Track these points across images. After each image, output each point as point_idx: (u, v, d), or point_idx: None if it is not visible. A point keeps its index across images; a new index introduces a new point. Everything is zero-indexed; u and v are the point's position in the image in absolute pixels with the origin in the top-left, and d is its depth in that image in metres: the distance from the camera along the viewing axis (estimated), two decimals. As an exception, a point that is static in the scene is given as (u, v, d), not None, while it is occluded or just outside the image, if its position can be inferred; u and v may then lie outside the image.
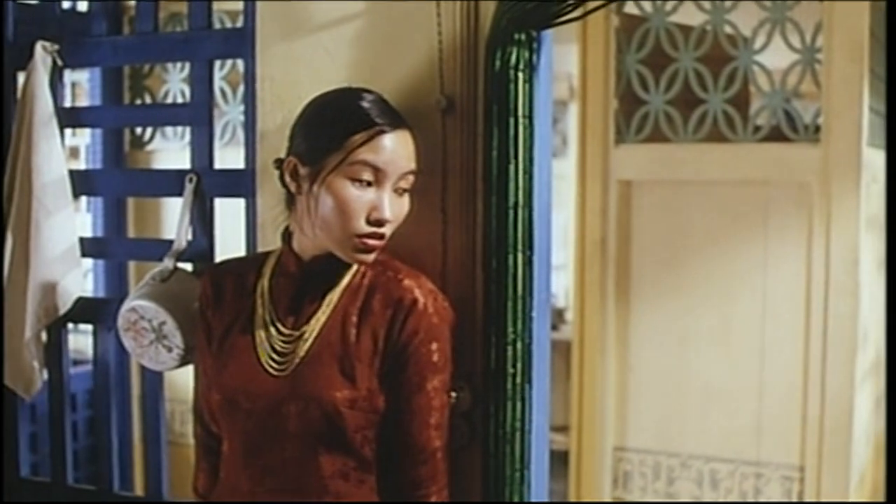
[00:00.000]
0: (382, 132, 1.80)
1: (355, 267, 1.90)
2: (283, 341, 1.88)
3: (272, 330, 1.89)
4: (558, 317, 6.57)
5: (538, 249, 1.98)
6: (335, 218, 1.81)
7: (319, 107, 1.88)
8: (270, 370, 1.87)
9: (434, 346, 1.87)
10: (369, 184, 1.80)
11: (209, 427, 2.02)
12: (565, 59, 4.64)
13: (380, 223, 1.81)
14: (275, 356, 1.87)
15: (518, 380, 1.95)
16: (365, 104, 1.83)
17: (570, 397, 4.20)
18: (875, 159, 3.99)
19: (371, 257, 1.85)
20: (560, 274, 6.41)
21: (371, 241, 1.82)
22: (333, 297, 1.89)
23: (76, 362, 3.39)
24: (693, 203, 3.84)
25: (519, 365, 1.95)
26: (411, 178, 1.85)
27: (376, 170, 1.80)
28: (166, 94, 4.25)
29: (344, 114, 1.82)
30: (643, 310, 4.03)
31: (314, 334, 1.87)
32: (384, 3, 2.08)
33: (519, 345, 1.95)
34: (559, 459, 4.35)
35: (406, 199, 1.87)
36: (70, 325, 2.61)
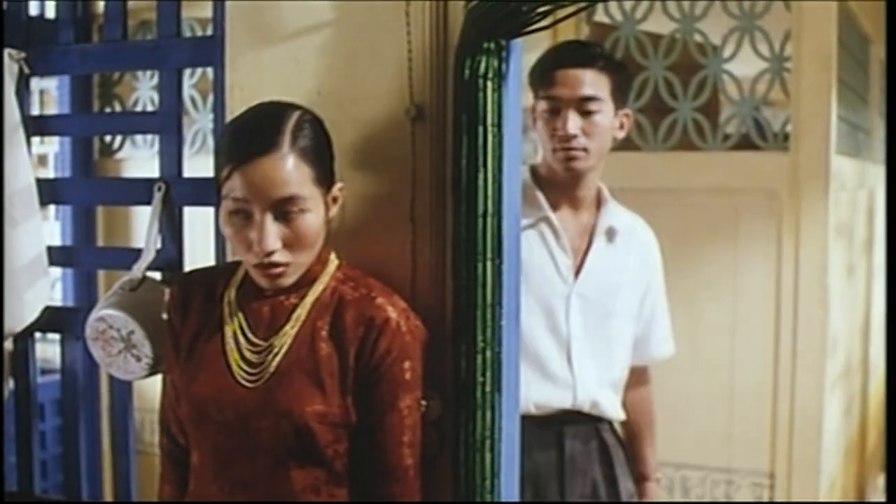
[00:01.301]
0: (236, 168, 1.76)
1: (323, 282, 1.90)
2: (254, 351, 1.87)
3: (242, 340, 1.88)
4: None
5: (508, 258, 1.98)
6: (233, 249, 1.82)
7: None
8: (242, 381, 1.86)
9: (407, 364, 1.87)
10: (247, 215, 1.77)
11: (176, 438, 2.01)
12: (536, 68, 4.64)
13: (266, 255, 1.78)
14: (246, 367, 1.86)
15: (488, 388, 1.95)
16: (226, 136, 1.81)
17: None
18: (843, 167, 4.02)
19: (282, 282, 1.83)
20: (532, 281, 6.39)
21: (268, 271, 1.81)
22: (302, 312, 1.88)
23: (44, 371, 3.37)
24: (663, 211, 3.85)
25: (489, 374, 1.94)
26: (292, 202, 1.77)
27: (245, 202, 1.76)
28: (136, 102, 4.23)
29: (217, 146, 1.83)
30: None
31: (284, 348, 1.86)
32: (354, 12, 2.07)
33: (489, 353, 1.94)
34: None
35: (302, 219, 1.78)
36: (38, 335, 2.60)
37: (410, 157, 2.03)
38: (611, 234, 2.61)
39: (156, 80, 3.92)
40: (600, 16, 3.99)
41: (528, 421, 2.46)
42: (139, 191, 2.42)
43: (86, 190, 2.62)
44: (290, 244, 1.79)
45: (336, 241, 1.99)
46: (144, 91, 4.20)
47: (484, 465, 1.95)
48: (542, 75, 2.50)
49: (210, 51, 2.30)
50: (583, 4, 1.94)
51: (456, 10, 1.99)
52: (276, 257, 1.78)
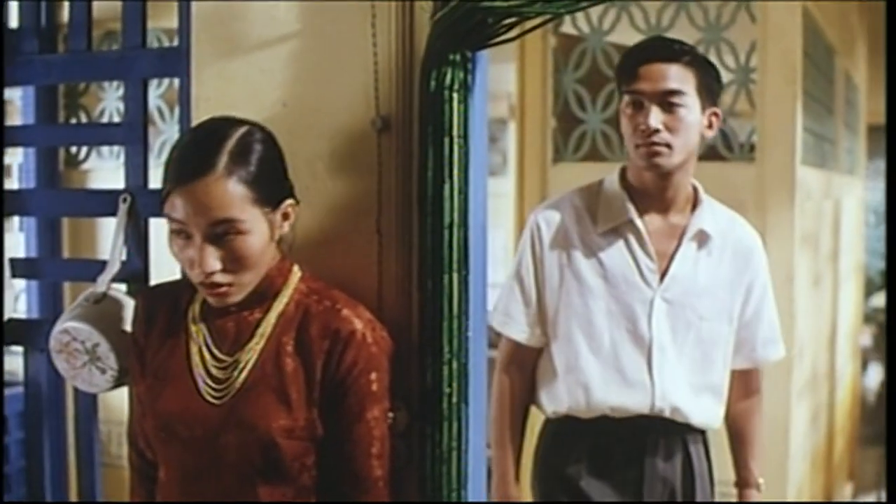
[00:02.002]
0: (172, 189, 1.76)
1: (285, 297, 1.89)
2: (219, 367, 1.86)
3: (207, 355, 1.87)
4: (499, 335, 6.54)
5: (474, 269, 1.98)
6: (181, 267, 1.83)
7: None
8: (208, 397, 1.85)
9: (373, 376, 1.86)
10: (188, 235, 1.77)
11: (144, 453, 2.00)
12: (504, 78, 4.66)
13: (206, 276, 1.78)
14: (211, 382, 1.86)
15: (454, 399, 1.95)
16: (171, 154, 1.81)
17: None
18: (809, 178, 4.05)
19: (229, 300, 1.83)
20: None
21: (212, 291, 1.81)
22: (266, 327, 1.88)
23: (7, 384, 3.34)
24: (630, 221, 3.86)
25: (455, 384, 1.95)
26: (228, 224, 1.75)
27: (183, 223, 1.76)
28: (102, 112, 4.21)
29: (165, 162, 1.82)
30: (582, 327, 4.03)
31: (250, 364, 1.85)
32: (320, 23, 2.07)
33: (455, 364, 1.95)
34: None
35: (240, 240, 1.77)
36: (1, 347, 2.57)
37: (376, 168, 2.03)
38: (702, 238, 2.51)
39: (122, 90, 3.91)
40: (567, 27, 4.00)
41: (609, 433, 2.52)
42: (104, 202, 2.40)
43: (50, 201, 2.60)
44: (229, 265, 1.78)
45: (302, 252, 1.99)
46: (111, 101, 4.18)
47: (451, 476, 1.96)
48: (627, 71, 2.43)
49: (175, 61, 2.29)
50: (549, 16, 1.95)
51: (422, 21, 1.99)
52: (217, 278, 1.78)
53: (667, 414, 2.50)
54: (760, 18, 3.68)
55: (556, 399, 2.56)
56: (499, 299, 2.65)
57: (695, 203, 2.52)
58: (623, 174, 2.54)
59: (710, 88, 2.43)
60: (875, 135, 8.18)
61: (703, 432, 2.61)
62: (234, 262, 1.77)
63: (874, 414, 8.48)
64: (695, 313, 2.50)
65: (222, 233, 1.75)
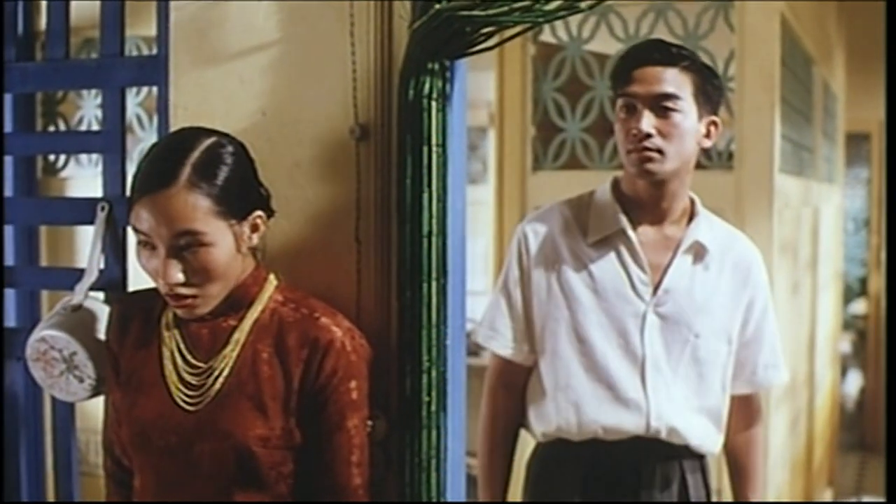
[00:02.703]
0: (136, 200, 1.77)
1: (260, 305, 1.89)
2: (193, 374, 1.86)
3: (181, 362, 1.87)
4: (479, 344, 6.54)
5: (453, 277, 1.98)
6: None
7: None
8: (182, 404, 1.85)
9: (353, 384, 1.86)
10: (152, 246, 1.77)
11: (120, 460, 1.99)
12: (484, 86, 4.67)
13: (170, 287, 1.78)
14: (186, 389, 1.86)
15: (433, 408, 1.95)
16: (140, 167, 1.80)
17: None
18: (787, 185, 4.07)
19: (196, 312, 1.83)
20: (481, 300, 6.40)
21: (178, 302, 1.81)
22: (241, 335, 1.87)
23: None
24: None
25: (434, 393, 1.95)
26: (190, 236, 1.75)
27: (146, 235, 1.76)
28: (81, 120, 4.19)
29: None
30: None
31: (225, 371, 1.85)
32: (298, 32, 2.08)
33: (434, 373, 1.95)
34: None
35: (203, 253, 1.77)
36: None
37: (355, 176, 2.03)
38: (698, 251, 2.41)
39: (100, 98, 3.90)
40: (546, 36, 4.01)
41: (602, 459, 2.40)
42: (82, 210, 2.39)
43: (28, 209, 2.59)
44: (193, 277, 1.78)
45: (280, 261, 1.99)
46: (89, 109, 4.17)
47: (430, 485, 1.96)
48: (621, 73, 2.34)
49: (154, 70, 2.29)
50: (527, 25, 1.95)
51: (400, 30, 2.00)
52: (181, 290, 1.78)
53: (663, 435, 2.38)
54: (739, 27, 3.70)
55: (544, 419, 2.44)
56: (484, 313, 2.57)
57: (691, 215, 2.42)
58: (616, 184, 2.46)
59: (708, 96, 2.34)
60: (853, 143, 8.24)
61: (701, 460, 2.48)
62: (198, 274, 1.77)
63: (853, 420, 8.53)
64: (690, 330, 2.39)
65: (185, 245, 1.75)
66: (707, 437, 2.45)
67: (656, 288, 2.39)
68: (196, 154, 1.77)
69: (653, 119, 2.28)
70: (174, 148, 1.79)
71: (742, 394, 2.53)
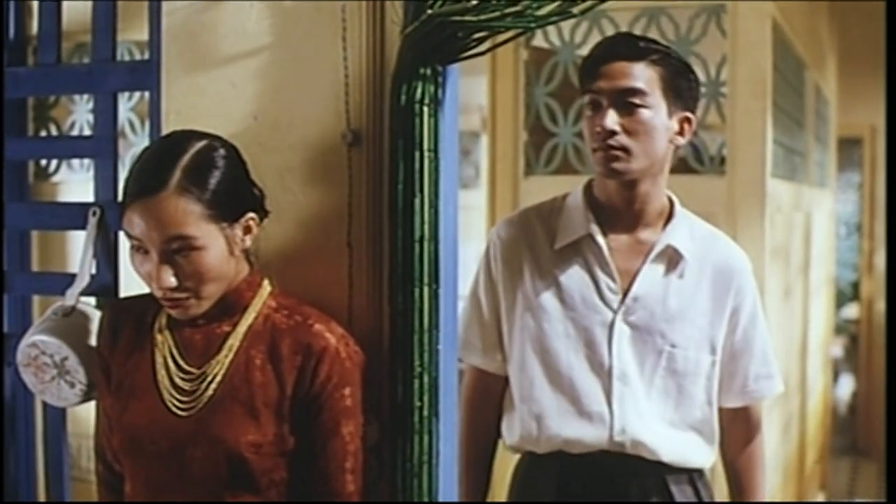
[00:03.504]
0: (127, 205, 1.77)
1: (254, 311, 1.89)
2: (185, 379, 1.86)
3: (173, 367, 1.87)
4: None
5: (445, 282, 1.98)
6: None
7: None
8: (175, 409, 1.85)
9: (347, 390, 1.87)
10: (145, 251, 1.78)
11: (112, 466, 1.99)
12: (477, 91, 4.68)
13: (163, 291, 1.79)
14: (178, 395, 1.85)
15: (425, 413, 1.95)
16: (131, 171, 1.81)
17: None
18: (779, 190, 4.07)
19: (191, 313, 1.84)
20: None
21: (172, 305, 1.82)
22: (235, 341, 1.87)
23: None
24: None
25: (426, 398, 1.95)
26: (181, 241, 1.76)
27: (138, 239, 1.77)
28: (73, 125, 4.18)
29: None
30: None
31: (218, 378, 1.85)
32: (291, 37, 2.08)
33: (426, 378, 1.95)
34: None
35: (196, 256, 1.77)
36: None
37: (347, 182, 2.03)
38: (672, 256, 2.29)
39: (92, 103, 3.90)
40: (539, 41, 4.01)
41: (574, 473, 2.31)
42: (74, 215, 2.39)
43: (20, 214, 2.58)
44: (186, 281, 1.78)
45: (272, 265, 1.99)
46: (81, 114, 4.16)
47: (422, 490, 1.96)
48: (588, 69, 2.25)
49: (146, 75, 2.28)
50: (519, 30, 1.95)
51: (392, 35, 2.00)
52: (175, 293, 1.79)
53: (628, 449, 2.28)
54: (731, 32, 3.71)
55: (511, 430, 2.38)
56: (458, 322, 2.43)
57: (668, 218, 2.32)
58: (588, 187, 2.36)
59: (679, 91, 2.23)
60: (845, 147, 8.25)
61: (691, 473, 2.36)
62: (191, 278, 1.78)
63: (845, 424, 8.54)
64: (665, 340, 2.29)
65: (177, 249, 1.75)
66: (689, 452, 2.34)
67: (625, 295, 2.29)
68: (187, 158, 1.77)
69: (617, 116, 2.18)
70: (165, 152, 1.80)
71: (736, 406, 2.42)
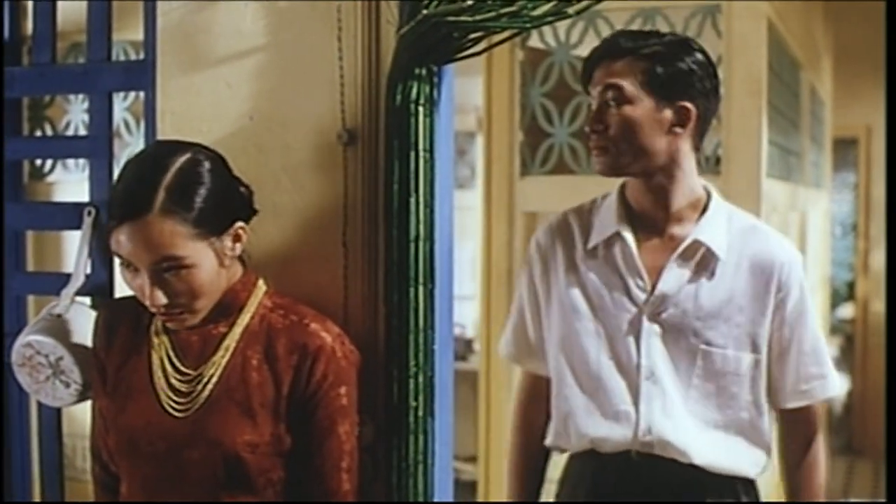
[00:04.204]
0: (113, 227, 1.76)
1: (250, 311, 1.89)
2: (182, 380, 1.86)
3: (170, 368, 1.87)
4: (467, 347, 6.57)
5: (440, 282, 1.98)
6: None
7: None
8: (171, 410, 1.85)
9: (343, 390, 1.87)
10: (135, 268, 1.77)
11: (108, 466, 1.99)
12: (472, 91, 4.68)
13: (156, 308, 1.79)
14: (174, 396, 1.85)
15: (420, 413, 1.95)
16: (115, 188, 1.80)
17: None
18: (775, 190, 4.07)
19: (182, 325, 1.84)
20: (469, 305, 6.43)
21: (165, 319, 1.82)
22: (231, 342, 1.87)
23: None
24: (597, 234, 3.88)
25: (421, 398, 1.95)
26: (169, 261, 1.75)
27: (126, 260, 1.77)
28: (68, 125, 4.18)
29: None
30: (550, 340, 4.04)
31: (214, 378, 1.85)
32: (286, 37, 2.08)
33: (421, 378, 1.95)
34: (472, 489, 4.35)
35: (185, 274, 1.77)
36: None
37: (342, 182, 2.03)
38: (702, 251, 2.23)
39: (87, 103, 3.89)
40: (535, 41, 4.01)
41: (606, 474, 2.28)
42: (69, 215, 2.39)
43: (15, 214, 2.58)
44: (178, 298, 1.78)
45: (267, 266, 1.99)
46: (76, 114, 4.16)
47: (417, 490, 1.96)
48: (584, 77, 2.27)
49: (141, 75, 2.28)
50: (515, 30, 1.96)
51: (388, 36, 2.00)
52: (168, 309, 1.79)
53: (656, 450, 2.22)
54: (726, 32, 3.70)
55: (549, 430, 2.36)
56: (504, 327, 2.47)
57: (703, 213, 2.26)
58: (623, 186, 2.33)
59: (667, 81, 2.16)
60: (840, 148, 8.25)
61: (738, 481, 2.27)
62: (182, 294, 1.78)
63: (841, 424, 8.54)
64: (699, 339, 2.22)
65: (167, 268, 1.75)
66: (731, 457, 2.25)
67: (652, 293, 2.23)
68: (169, 177, 1.75)
69: (601, 113, 2.17)
70: (147, 171, 1.78)
71: (790, 408, 2.32)
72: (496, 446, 4.13)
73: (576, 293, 2.29)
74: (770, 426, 2.30)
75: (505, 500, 2.52)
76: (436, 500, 2.00)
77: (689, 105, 2.18)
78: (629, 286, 2.25)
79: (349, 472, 1.89)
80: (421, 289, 1.94)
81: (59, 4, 2.46)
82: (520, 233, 4.04)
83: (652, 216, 2.26)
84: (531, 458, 2.47)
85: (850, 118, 7.92)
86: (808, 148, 5.52)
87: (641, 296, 2.24)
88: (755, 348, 2.24)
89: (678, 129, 2.18)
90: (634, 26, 3.82)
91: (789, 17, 4.44)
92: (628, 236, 2.26)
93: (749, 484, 2.31)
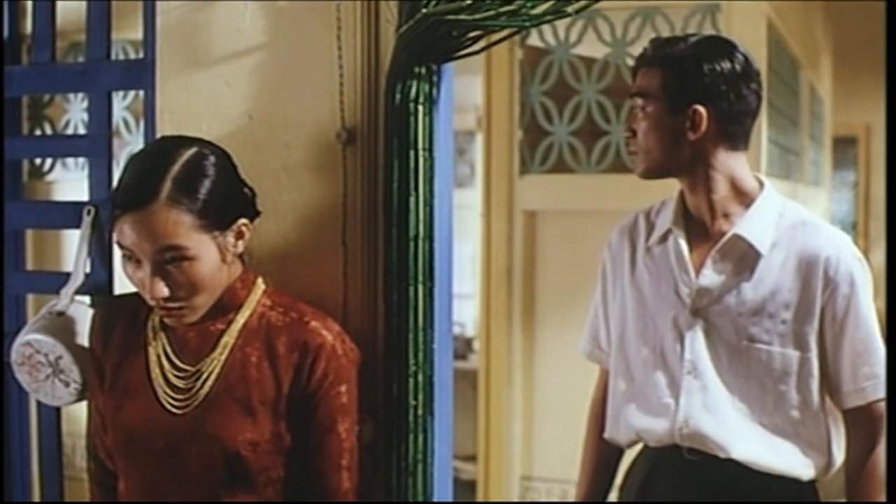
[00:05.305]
0: (117, 217, 1.76)
1: (249, 309, 1.89)
2: (180, 377, 1.86)
3: (167, 364, 1.87)
4: (467, 346, 6.58)
5: (439, 281, 1.98)
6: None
7: None
8: (170, 407, 1.85)
9: (343, 388, 1.87)
10: (137, 260, 1.77)
11: (104, 464, 1.99)
12: (472, 90, 4.68)
13: (156, 301, 1.78)
14: (173, 393, 1.85)
15: (420, 412, 1.95)
16: (121, 180, 1.79)
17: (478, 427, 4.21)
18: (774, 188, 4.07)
19: (184, 321, 1.83)
20: (469, 303, 6.43)
21: (166, 313, 1.81)
22: (230, 338, 1.87)
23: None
24: (596, 232, 3.84)
25: (420, 397, 1.95)
26: (173, 251, 1.75)
27: (129, 250, 1.76)
28: (67, 124, 4.19)
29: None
30: (549, 338, 4.05)
31: (213, 375, 1.85)
32: (285, 36, 2.08)
33: (420, 377, 1.95)
34: (471, 489, 4.36)
35: (188, 266, 1.76)
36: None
37: (341, 181, 2.03)
38: (742, 247, 2.21)
39: (87, 102, 3.89)
40: (534, 40, 4.02)
41: (660, 471, 2.31)
42: (68, 214, 2.39)
43: (14, 213, 2.58)
44: (179, 291, 1.78)
45: (267, 264, 1.99)
46: (75, 112, 4.16)
47: (416, 489, 1.96)
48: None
49: (140, 74, 2.28)
50: (514, 29, 1.96)
51: (387, 34, 2.00)
52: (168, 303, 1.78)
53: (695, 443, 2.22)
54: (725, 31, 3.70)
55: (607, 422, 2.42)
56: (586, 325, 2.52)
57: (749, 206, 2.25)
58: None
59: (679, 86, 2.19)
60: (839, 146, 8.25)
61: (790, 482, 2.24)
62: (183, 287, 1.77)
63: (840, 423, 8.53)
64: (740, 335, 2.20)
65: (169, 259, 1.75)
66: (778, 457, 2.22)
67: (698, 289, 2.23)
68: (176, 168, 1.76)
69: (631, 121, 2.26)
70: (154, 161, 1.78)
71: (848, 409, 2.25)
72: (495, 445, 4.13)
73: (633, 290, 2.33)
74: (829, 428, 2.25)
75: (574, 494, 2.57)
76: (435, 499, 2.00)
77: (699, 108, 2.18)
78: (677, 282, 2.26)
79: (349, 470, 1.88)
80: (420, 287, 1.94)
81: (59, 3, 2.46)
82: (519, 231, 4.05)
83: (700, 214, 2.27)
84: (602, 454, 2.51)
85: (850, 117, 7.93)
86: (807, 146, 5.53)
87: (687, 291, 2.24)
88: (803, 346, 2.20)
89: (692, 134, 2.19)
90: (634, 25, 3.83)
91: (789, 16, 4.45)
92: (679, 233, 2.27)
93: (808, 487, 2.28)
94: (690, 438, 2.22)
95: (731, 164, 2.23)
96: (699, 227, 2.28)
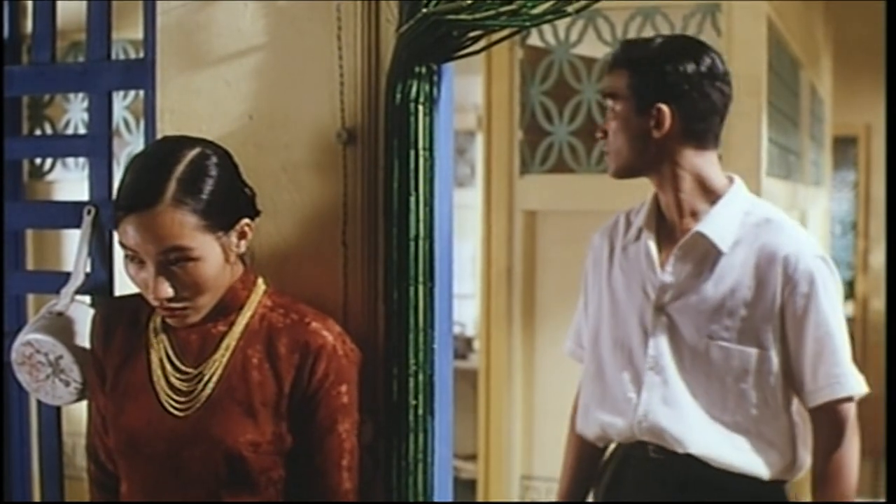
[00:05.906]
0: (121, 218, 1.76)
1: (250, 310, 1.89)
2: (182, 379, 1.86)
3: (169, 367, 1.87)
4: (467, 346, 6.58)
5: (440, 281, 1.98)
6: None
7: None
8: (172, 410, 1.85)
9: (344, 388, 1.87)
10: (140, 261, 1.77)
11: (105, 466, 1.99)
12: (472, 90, 4.68)
13: (160, 301, 1.79)
14: (175, 395, 1.85)
15: (420, 412, 1.95)
16: (124, 180, 1.79)
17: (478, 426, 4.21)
18: (774, 189, 4.07)
19: (188, 321, 1.83)
20: (469, 303, 6.43)
21: (169, 314, 1.81)
22: (231, 340, 1.87)
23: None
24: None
25: (421, 397, 1.95)
26: (177, 252, 1.75)
27: (133, 251, 1.76)
28: (67, 124, 4.18)
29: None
30: (549, 338, 4.05)
31: (215, 377, 1.85)
32: (285, 36, 2.08)
33: (421, 377, 1.95)
34: (471, 488, 4.35)
35: (192, 267, 1.77)
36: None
37: (342, 181, 2.03)
38: (704, 245, 2.23)
39: (87, 102, 3.89)
40: (534, 40, 4.01)
41: (624, 469, 2.35)
42: (69, 214, 2.39)
43: (14, 213, 2.58)
44: (182, 291, 1.78)
45: (267, 265, 1.99)
46: (76, 112, 4.16)
47: (417, 488, 1.96)
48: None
49: (141, 74, 2.28)
50: (514, 29, 1.96)
51: (387, 34, 2.00)
52: (172, 303, 1.78)
53: (654, 437, 2.24)
54: (726, 31, 3.70)
55: (577, 417, 2.48)
56: (571, 324, 2.58)
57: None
58: None
59: (643, 86, 2.22)
60: (840, 146, 8.25)
61: (746, 480, 2.24)
62: (187, 288, 1.78)
63: (840, 423, 8.53)
64: (701, 332, 2.22)
65: (174, 260, 1.75)
66: (735, 454, 2.24)
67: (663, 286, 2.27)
68: (181, 168, 1.76)
69: (605, 122, 2.31)
70: (158, 162, 1.78)
71: (812, 408, 2.26)
72: (495, 445, 4.13)
73: (608, 289, 2.39)
74: (792, 427, 2.28)
75: (556, 492, 2.62)
76: (435, 498, 2.00)
77: (663, 107, 2.22)
78: (644, 280, 2.31)
79: (350, 470, 1.89)
80: (420, 287, 1.94)
81: (59, 3, 2.46)
82: (519, 231, 4.05)
83: (669, 213, 2.31)
84: (582, 452, 2.54)
85: (850, 117, 7.92)
86: (807, 146, 5.52)
87: (651, 288, 2.29)
88: (762, 343, 2.21)
89: (656, 132, 2.23)
90: (634, 25, 3.82)
91: (789, 16, 4.44)
92: (649, 233, 2.32)
93: (775, 488, 2.29)
94: (649, 432, 2.26)
95: (698, 162, 2.27)
96: (670, 226, 2.32)
